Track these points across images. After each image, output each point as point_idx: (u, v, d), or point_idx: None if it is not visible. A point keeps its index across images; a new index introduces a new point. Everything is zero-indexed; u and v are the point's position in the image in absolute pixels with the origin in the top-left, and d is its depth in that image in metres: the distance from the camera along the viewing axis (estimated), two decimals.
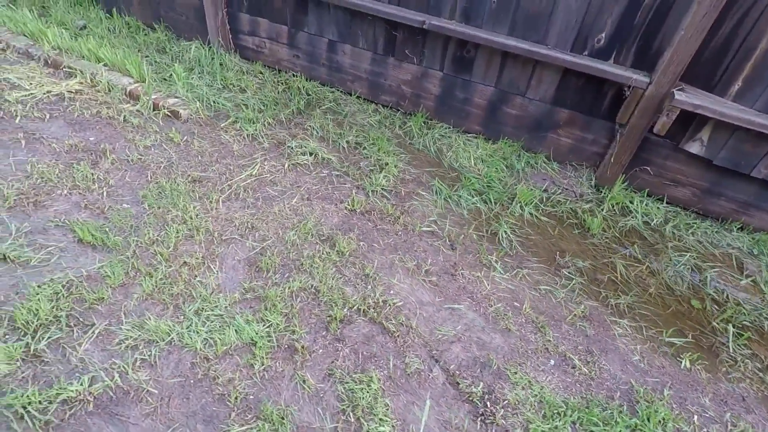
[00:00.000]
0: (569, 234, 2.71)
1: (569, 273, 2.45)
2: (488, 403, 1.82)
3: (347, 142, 3.16)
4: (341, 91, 3.67)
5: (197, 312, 2.02)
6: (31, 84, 3.33)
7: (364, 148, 3.14)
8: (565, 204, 2.86)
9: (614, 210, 2.85)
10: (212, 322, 1.98)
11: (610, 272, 2.49)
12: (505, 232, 2.60)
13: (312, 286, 2.17)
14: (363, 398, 1.78)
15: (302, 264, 2.27)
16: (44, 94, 3.26)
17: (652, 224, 2.79)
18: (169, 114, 3.22)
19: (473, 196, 2.84)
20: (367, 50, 3.35)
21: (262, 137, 3.12)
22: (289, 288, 2.14)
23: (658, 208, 2.85)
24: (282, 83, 3.72)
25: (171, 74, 3.60)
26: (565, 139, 3.03)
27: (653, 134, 2.68)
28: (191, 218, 2.44)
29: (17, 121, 2.99)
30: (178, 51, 3.95)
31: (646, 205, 2.85)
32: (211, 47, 3.87)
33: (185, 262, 2.22)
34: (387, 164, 2.98)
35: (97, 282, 2.10)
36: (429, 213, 2.70)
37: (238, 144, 3.05)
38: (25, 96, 3.20)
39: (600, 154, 2.98)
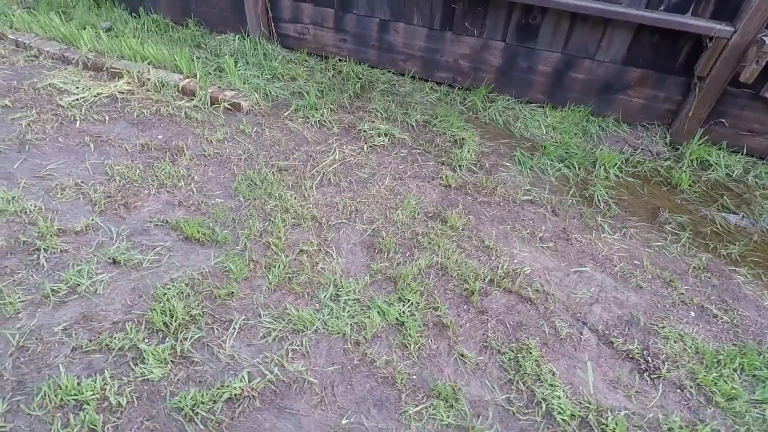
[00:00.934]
0: (659, 192, 2.72)
1: (672, 229, 2.46)
2: (649, 359, 1.82)
3: (415, 121, 3.11)
4: (393, 72, 3.60)
5: (333, 298, 1.96)
6: (77, 88, 3.19)
7: (434, 125, 3.09)
8: (645, 163, 2.87)
9: (694, 165, 2.87)
10: (351, 306, 1.93)
11: (710, 224, 2.51)
12: (601, 195, 2.59)
13: (437, 262, 2.13)
14: (528, 366, 1.75)
15: (420, 242, 2.23)
16: (95, 96, 3.12)
17: (734, 175, 2.82)
18: (229, 107, 3.12)
19: (556, 163, 2.82)
20: (423, 26, 3.29)
21: (330, 123, 3.04)
22: (416, 266, 2.09)
23: (737, 159, 2.87)
24: (330, 69, 3.63)
25: (216, 67, 3.49)
26: (636, 100, 3.03)
27: (731, 86, 2.70)
28: (292, 207, 2.37)
29: (78, 125, 2.86)
30: (216, 44, 3.82)
31: (723, 157, 2.88)
32: (250, 38, 3.75)
33: (302, 250, 2.15)
34: (464, 139, 2.93)
35: (220, 278, 2.02)
36: (520, 183, 2.68)
37: (309, 131, 2.97)
38: (77, 100, 3.06)
39: (673, 111, 2.99)
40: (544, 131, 3.09)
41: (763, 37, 2.43)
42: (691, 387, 1.74)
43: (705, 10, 2.60)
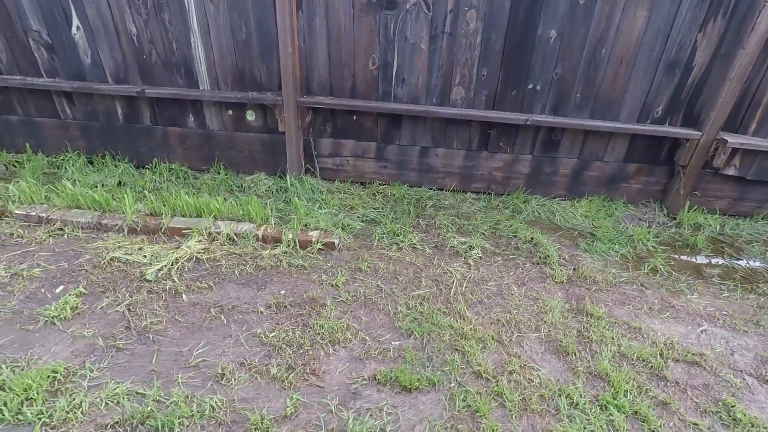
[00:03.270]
0: (684, 252, 3.52)
1: (718, 280, 3.22)
2: None
3: (485, 229, 3.53)
4: (432, 188, 4.04)
5: (571, 406, 2.15)
6: (145, 257, 2.93)
7: (501, 230, 3.55)
8: (662, 233, 3.70)
9: (692, 228, 3.78)
10: (590, 408, 2.14)
11: (732, 271, 3.34)
12: (661, 265, 3.27)
13: (616, 351, 2.48)
14: (742, 418, 2.16)
15: (587, 337, 2.56)
16: (173, 263, 2.90)
17: (717, 230, 3.79)
18: (322, 247, 3.16)
19: (611, 245, 3.47)
20: (461, 149, 3.85)
21: (420, 245, 3.29)
22: (605, 359, 2.41)
23: (714, 218, 3.88)
24: (376, 193, 3.92)
25: (271, 208, 3.51)
26: (635, 185, 3.93)
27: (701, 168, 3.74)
28: (466, 332, 2.52)
29: (185, 297, 2.63)
30: (252, 186, 3.85)
31: (707, 219, 3.86)
32: (293, 176, 3.87)
33: (510, 371, 2.31)
34: (533, 238, 3.43)
35: (469, 419, 2.07)
36: (601, 267, 3.23)
37: (409, 257, 3.17)
38: (161, 270, 2.81)
39: (662, 191, 3.94)
40: (581, 220, 3.77)
41: (723, 137, 3.50)
42: None
43: (676, 121, 3.63)
